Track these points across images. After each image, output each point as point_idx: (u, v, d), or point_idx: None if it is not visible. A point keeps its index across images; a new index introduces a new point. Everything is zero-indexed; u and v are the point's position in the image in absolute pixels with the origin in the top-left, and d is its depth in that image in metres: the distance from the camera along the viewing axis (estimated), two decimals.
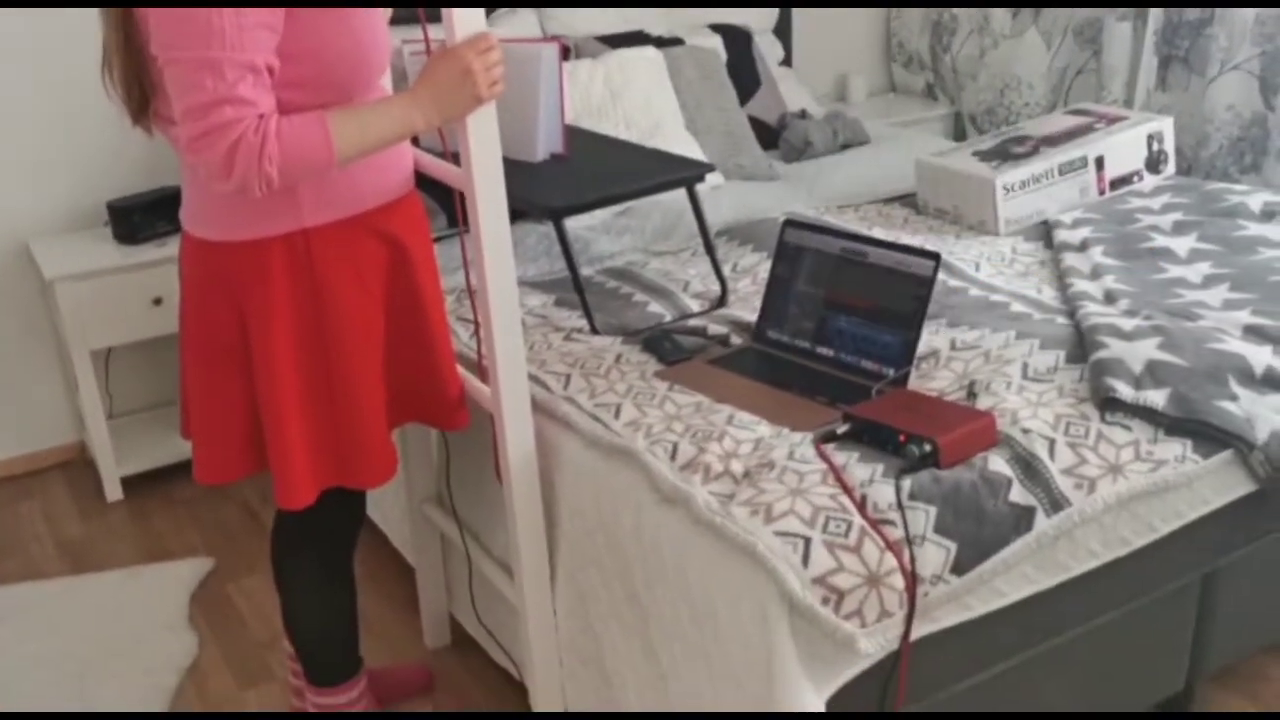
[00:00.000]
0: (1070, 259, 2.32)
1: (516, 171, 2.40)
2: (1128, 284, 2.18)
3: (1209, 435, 1.74)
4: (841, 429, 1.75)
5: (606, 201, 2.28)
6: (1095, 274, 2.24)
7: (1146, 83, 3.40)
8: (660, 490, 1.68)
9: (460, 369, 1.95)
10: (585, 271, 2.55)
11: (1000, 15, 3.65)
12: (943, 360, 1.96)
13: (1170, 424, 1.74)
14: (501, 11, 3.29)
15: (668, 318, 2.31)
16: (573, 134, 2.54)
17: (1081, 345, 1.94)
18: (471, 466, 2.13)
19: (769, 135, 3.34)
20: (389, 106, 1.56)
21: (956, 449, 1.65)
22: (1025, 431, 1.70)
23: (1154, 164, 2.70)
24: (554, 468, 1.87)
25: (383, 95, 1.67)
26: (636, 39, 3.26)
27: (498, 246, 1.70)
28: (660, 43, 3.28)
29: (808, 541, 1.50)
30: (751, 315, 2.22)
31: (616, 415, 1.87)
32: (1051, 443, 1.69)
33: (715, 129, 3.13)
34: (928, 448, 1.64)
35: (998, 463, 1.65)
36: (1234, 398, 1.78)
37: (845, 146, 3.33)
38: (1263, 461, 1.75)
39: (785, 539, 1.51)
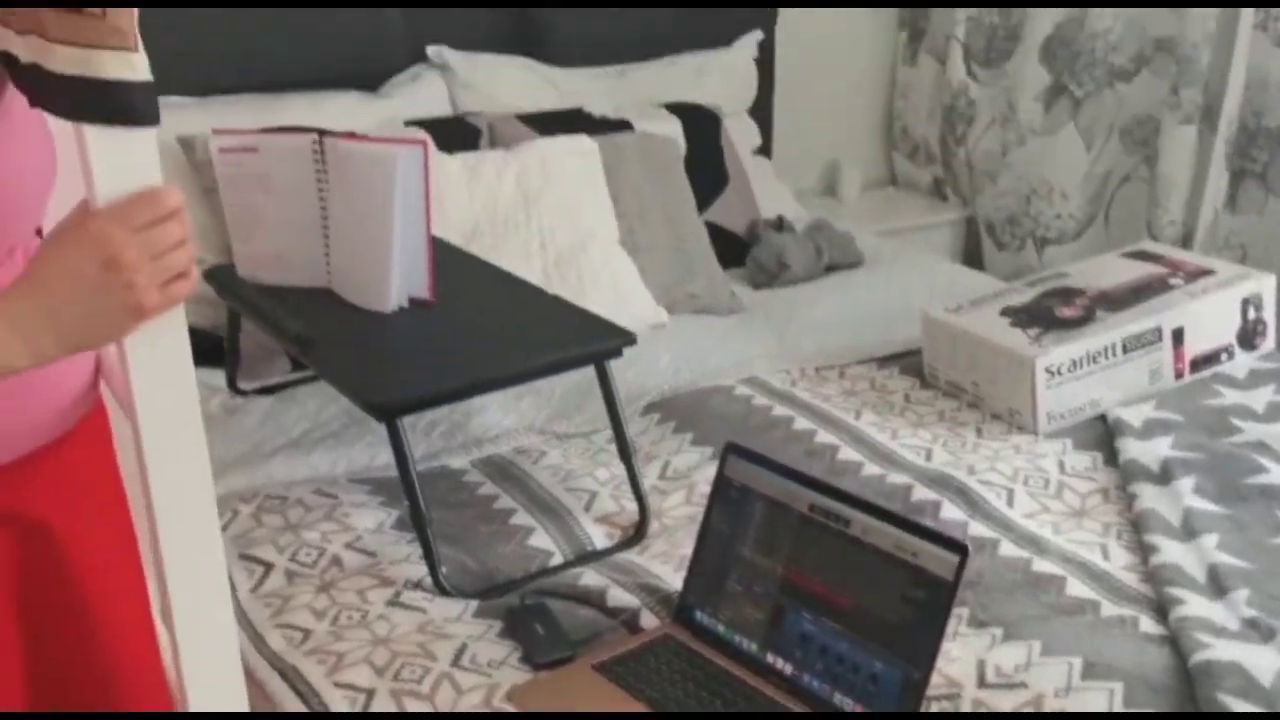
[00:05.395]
0: (1147, 496, 1.59)
1: (352, 328, 1.67)
2: (1240, 554, 1.45)
3: None
4: None
5: (466, 394, 1.55)
6: (1188, 529, 1.52)
7: (1214, 202, 2.69)
8: None
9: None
10: (455, 463, 1.81)
11: (1030, 107, 2.95)
12: (966, 706, 1.22)
13: None
14: (402, 77, 2.57)
15: (555, 559, 1.58)
16: (448, 263, 1.81)
17: (1193, 698, 1.20)
18: None
19: (735, 248, 2.62)
20: None
21: None
22: None
23: (1248, 338, 1.98)
24: None
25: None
26: (571, 121, 2.54)
27: (183, 533, 0.96)
28: (602, 126, 2.56)
29: None
30: (677, 574, 1.48)
31: None
32: None
33: (661, 245, 2.41)
34: None
35: None
36: None
37: (831, 268, 2.61)
38: None
39: None
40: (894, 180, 3.52)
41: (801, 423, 1.86)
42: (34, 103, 0.87)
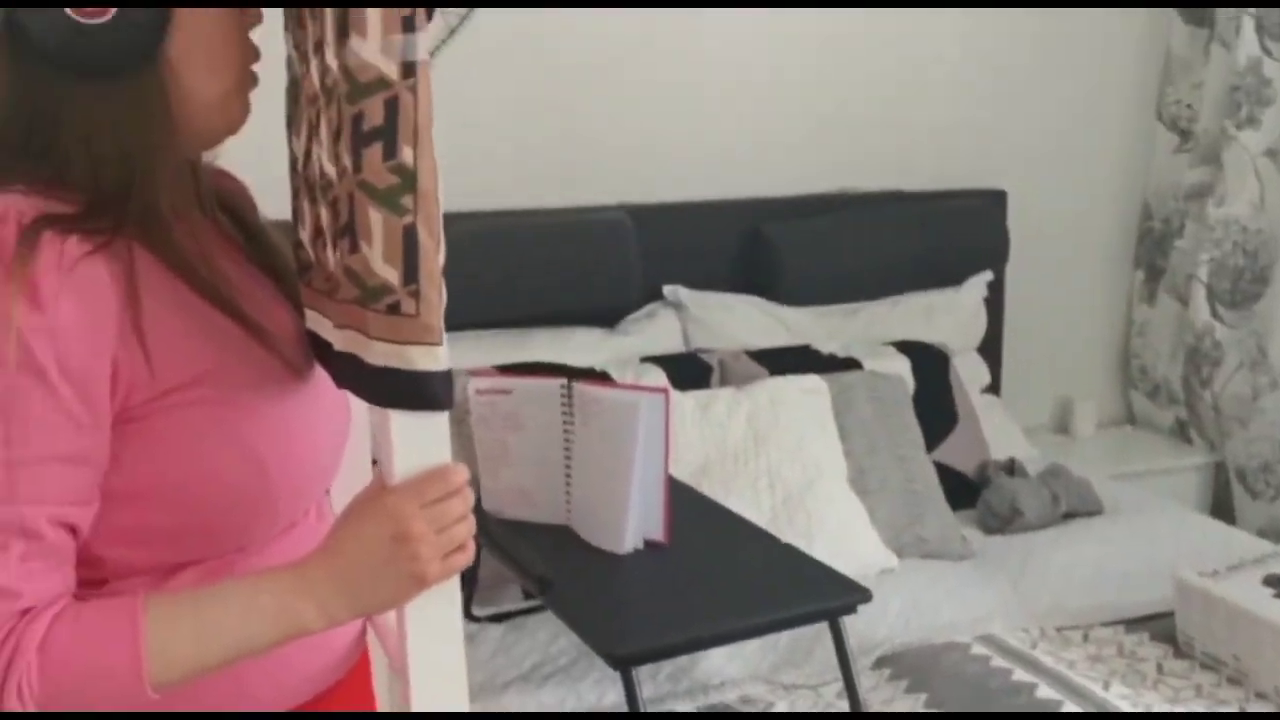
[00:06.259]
0: None
1: (588, 569, 1.72)
2: None
3: None
4: None
5: (698, 647, 1.56)
6: None
7: None
8: None
9: None
10: (681, 707, 1.79)
11: None
12: None
13: None
14: (639, 314, 2.69)
15: None
16: (682, 503, 1.84)
17: None
18: None
19: (964, 490, 2.56)
20: (260, 594, 0.89)
21: None
22: None
23: None
24: None
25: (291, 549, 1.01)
26: (800, 358, 2.59)
27: None
28: (830, 364, 2.59)
29: None
30: None
31: None
32: None
33: (891, 485, 2.39)
34: None
35: None
36: None
37: (1068, 516, 2.51)
38: None
39: None
40: (1131, 419, 3.39)
41: (1045, 691, 1.76)
42: (341, 385, 0.96)
